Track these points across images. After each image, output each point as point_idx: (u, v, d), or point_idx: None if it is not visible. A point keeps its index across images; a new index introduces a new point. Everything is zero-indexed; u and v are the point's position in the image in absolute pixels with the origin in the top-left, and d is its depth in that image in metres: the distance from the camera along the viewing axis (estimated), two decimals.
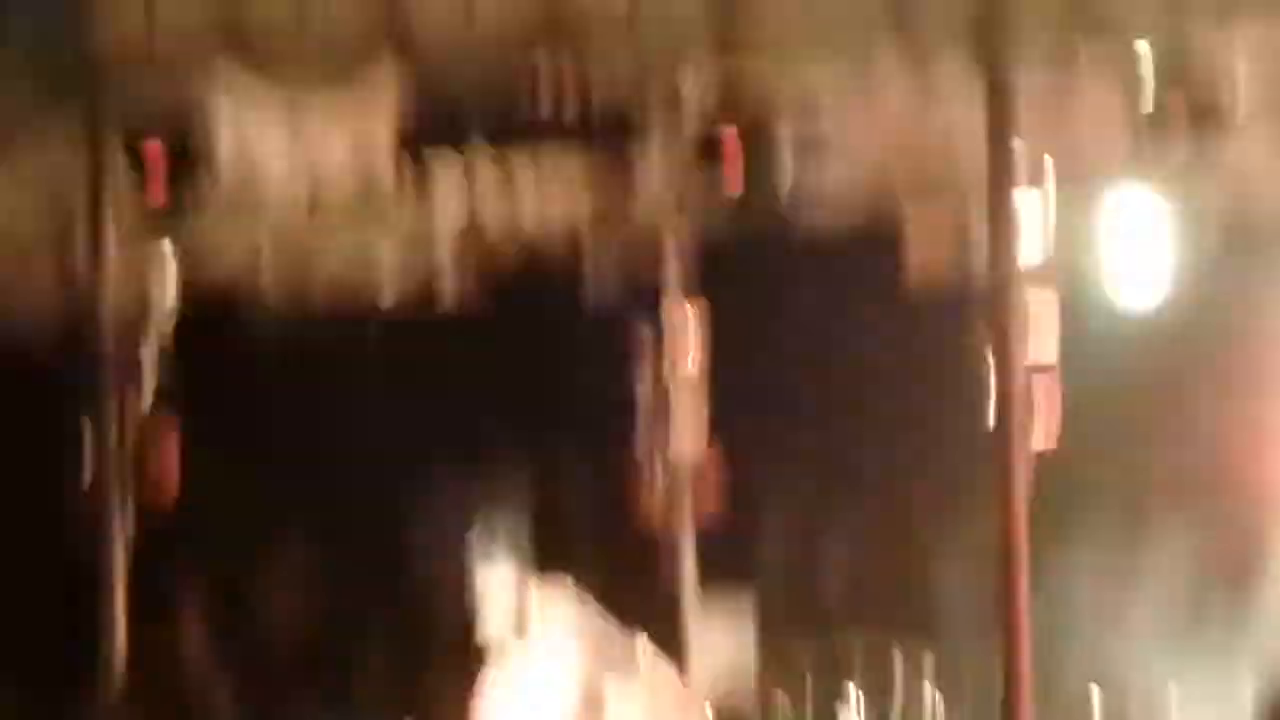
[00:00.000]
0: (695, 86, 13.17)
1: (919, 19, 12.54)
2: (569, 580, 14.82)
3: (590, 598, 14.73)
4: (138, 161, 13.26)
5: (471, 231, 15.80)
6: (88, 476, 13.88)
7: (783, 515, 17.85)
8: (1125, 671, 16.29)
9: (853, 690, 16.10)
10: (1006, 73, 12.59)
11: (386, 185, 14.28)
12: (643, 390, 16.54)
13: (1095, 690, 16.19)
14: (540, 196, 15.34)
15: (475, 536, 14.91)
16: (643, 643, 14.71)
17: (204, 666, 16.60)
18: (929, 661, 16.25)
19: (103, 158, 13.37)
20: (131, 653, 13.72)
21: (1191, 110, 12.52)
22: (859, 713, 16.16)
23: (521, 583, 14.71)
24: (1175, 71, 12.44)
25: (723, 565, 16.54)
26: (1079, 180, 14.72)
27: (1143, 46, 12.42)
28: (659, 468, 16.60)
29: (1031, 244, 14.01)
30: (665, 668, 14.82)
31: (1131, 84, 12.70)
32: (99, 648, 13.54)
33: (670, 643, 15.48)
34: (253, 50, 12.85)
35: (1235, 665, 15.81)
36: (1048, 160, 13.97)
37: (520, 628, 14.52)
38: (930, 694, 16.20)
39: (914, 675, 16.19)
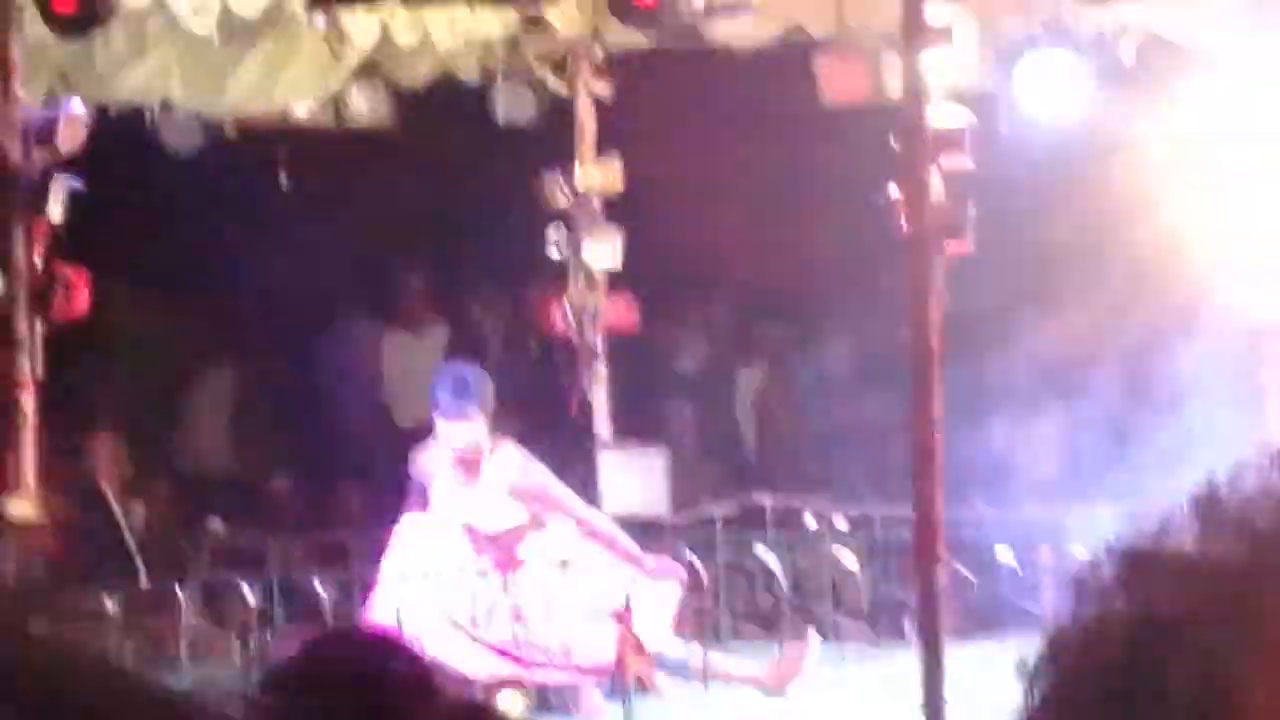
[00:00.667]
0: None
1: None
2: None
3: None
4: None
5: (383, 47, 15.78)
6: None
7: (699, 357, 17.87)
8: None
9: (763, 553, 16.07)
10: None
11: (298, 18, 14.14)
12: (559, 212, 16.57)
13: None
14: (455, 16, 15.34)
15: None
16: None
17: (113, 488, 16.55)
18: (841, 522, 16.20)
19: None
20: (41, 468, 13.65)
21: None
22: (777, 568, 16.08)
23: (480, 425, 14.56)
24: None
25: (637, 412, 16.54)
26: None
27: None
28: (578, 290, 16.64)
29: (948, 69, 14.06)
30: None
31: None
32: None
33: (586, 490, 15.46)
34: None
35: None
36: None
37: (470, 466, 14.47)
38: (841, 554, 16.20)
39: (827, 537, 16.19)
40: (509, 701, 13.96)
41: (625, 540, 14.42)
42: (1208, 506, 1.74)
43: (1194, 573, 1.74)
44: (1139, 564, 1.79)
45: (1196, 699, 1.67)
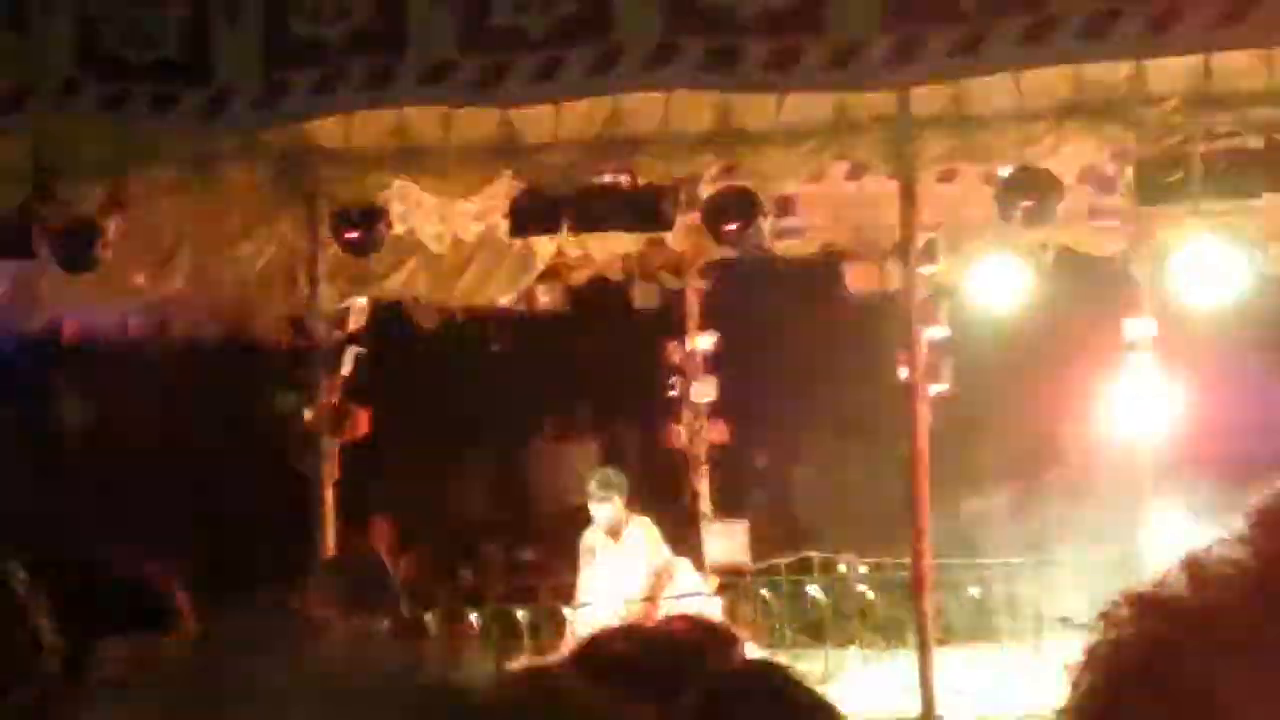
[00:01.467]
0: (707, 181, 12.87)
1: (856, 141, 12.17)
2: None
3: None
4: (341, 229, 12.92)
5: (558, 258, 15.82)
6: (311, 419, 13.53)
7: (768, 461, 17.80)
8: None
9: (812, 589, 16.07)
10: (911, 180, 12.13)
11: (502, 242, 14.19)
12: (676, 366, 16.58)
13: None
14: (604, 243, 15.42)
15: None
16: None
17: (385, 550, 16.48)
18: (863, 568, 16.25)
19: (317, 228, 13.04)
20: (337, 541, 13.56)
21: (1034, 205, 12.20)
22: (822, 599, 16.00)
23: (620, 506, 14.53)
24: (1024, 178, 12.13)
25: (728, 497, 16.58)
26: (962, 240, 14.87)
27: (1002, 171, 12.10)
28: (688, 417, 16.64)
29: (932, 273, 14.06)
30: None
31: (997, 191, 12.37)
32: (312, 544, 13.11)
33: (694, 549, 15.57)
34: (415, 163, 12.52)
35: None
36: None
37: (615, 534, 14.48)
38: (864, 589, 16.15)
39: (854, 578, 16.17)
40: None
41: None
42: (1192, 565, 1.69)
43: (1182, 611, 1.71)
44: (1145, 603, 1.75)
45: (1186, 701, 1.61)
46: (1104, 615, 1.76)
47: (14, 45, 12.47)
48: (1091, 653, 1.75)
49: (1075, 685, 1.75)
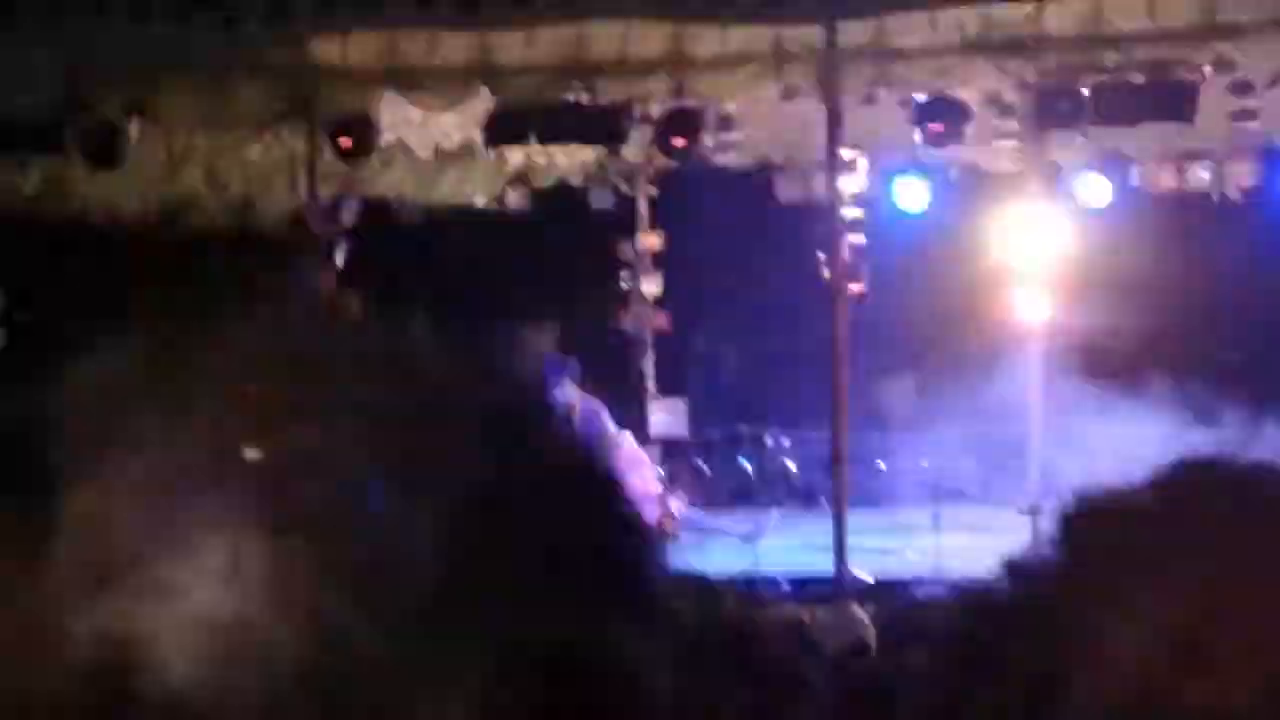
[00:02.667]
0: (659, 101, 12.87)
1: (789, 68, 12.19)
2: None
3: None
4: (337, 137, 12.92)
5: (526, 165, 15.78)
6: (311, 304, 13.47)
7: (705, 346, 17.79)
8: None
9: (741, 459, 16.19)
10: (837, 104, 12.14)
11: (479, 150, 14.15)
12: (627, 262, 16.57)
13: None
14: (567, 153, 15.38)
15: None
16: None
17: None
18: (787, 441, 16.38)
19: (315, 136, 13.01)
20: None
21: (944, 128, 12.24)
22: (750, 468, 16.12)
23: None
24: (936, 104, 12.17)
25: (670, 377, 16.63)
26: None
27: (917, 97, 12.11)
28: (636, 306, 16.66)
29: (852, 184, 14.10)
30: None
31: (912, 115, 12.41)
32: None
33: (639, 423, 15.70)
34: (403, 80, 12.47)
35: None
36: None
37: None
38: (787, 463, 16.30)
39: (778, 450, 16.26)
40: None
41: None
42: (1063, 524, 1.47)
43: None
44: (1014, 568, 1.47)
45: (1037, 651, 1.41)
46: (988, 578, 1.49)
47: None
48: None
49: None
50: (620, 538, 1.45)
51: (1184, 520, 1.38)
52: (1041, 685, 1.38)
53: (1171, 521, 1.38)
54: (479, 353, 1.50)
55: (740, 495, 16.09)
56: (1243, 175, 14.30)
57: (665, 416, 15.46)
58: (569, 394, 14.49)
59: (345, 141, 12.97)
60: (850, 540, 12.34)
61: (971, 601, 1.45)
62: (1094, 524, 1.42)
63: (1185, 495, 1.41)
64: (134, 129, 12.76)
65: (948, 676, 1.49)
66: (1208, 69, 11.60)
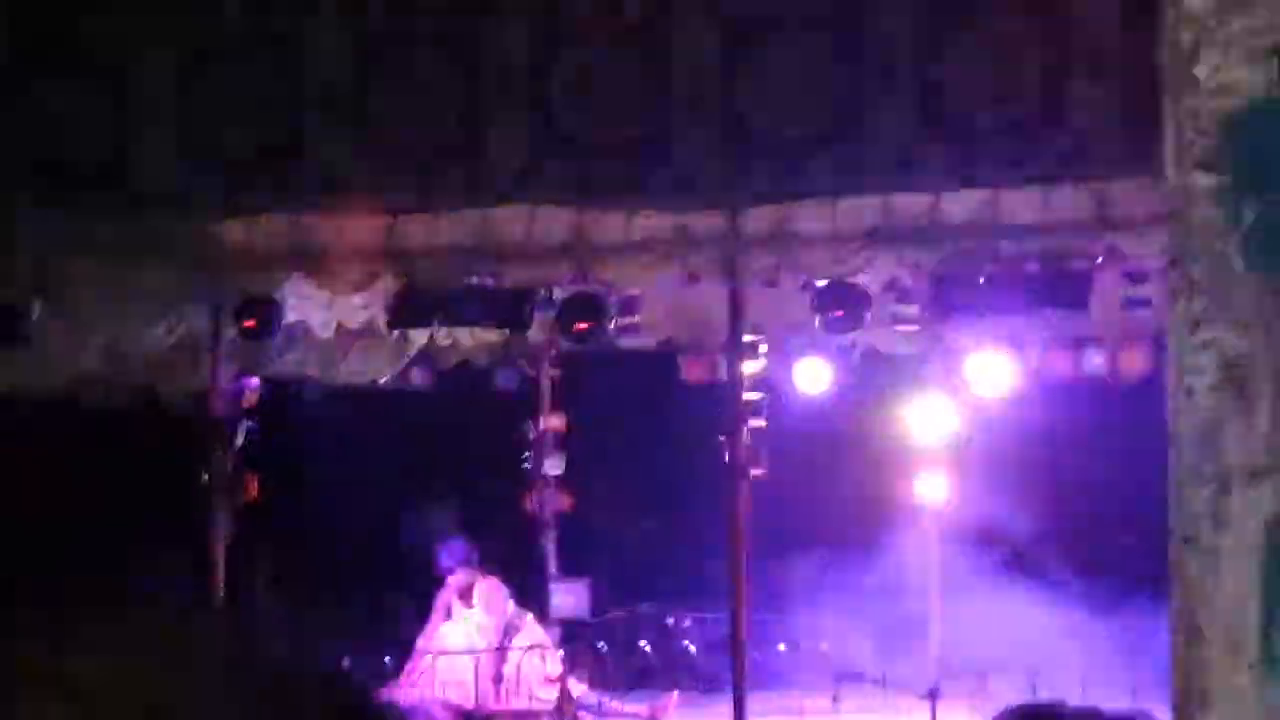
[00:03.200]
0: (563, 285, 12.94)
1: (693, 254, 12.29)
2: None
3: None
4: (241, 318, 12.89)
5: (430, 345, 15.79)
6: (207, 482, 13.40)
7: (610, 527, 17.75)
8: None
9: (643, 642, 16.02)
10: (740, 288, 12.25)
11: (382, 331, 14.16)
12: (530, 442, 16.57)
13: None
14: (472, 335, 15.40)
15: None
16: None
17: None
18: (688, 621, 16.19)
19: (219, 317, 12.99)
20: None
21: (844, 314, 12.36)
22: (650, 649, 15.99)
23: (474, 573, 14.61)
24: (837, 290, 12.27)
25: (572, 557, 16.56)
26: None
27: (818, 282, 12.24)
28: (539, 487, 16.65)
29: (753, 366, 14.20)
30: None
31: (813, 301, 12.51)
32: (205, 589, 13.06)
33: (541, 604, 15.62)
34: (310, 263, 12.50)
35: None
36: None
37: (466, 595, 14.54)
38: (687, 644, 16.17)
39: (679, 631, 16.10)
40: None
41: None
42: None
43: None
44: None
45: None
46: None
47: None
48: None
49: None
50: None
51: None
52: None
53: None
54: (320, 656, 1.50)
55: (640, 677, 15.99)
56: (1136, 361, 14.53)
57: (567, 597, 15.39)
58: (468, 575, 14.48)
59: (249, 322, 12.97)
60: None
61: None
62: None
63: None
64: (38, 308, 12.71)
65: None
66: (1100, 259, 11.84)
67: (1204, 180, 3.72)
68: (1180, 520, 3.67)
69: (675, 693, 14.99)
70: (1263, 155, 3.74)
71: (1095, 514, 16.16)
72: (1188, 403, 3.61)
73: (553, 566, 16.43)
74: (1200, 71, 3.77)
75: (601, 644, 15.92)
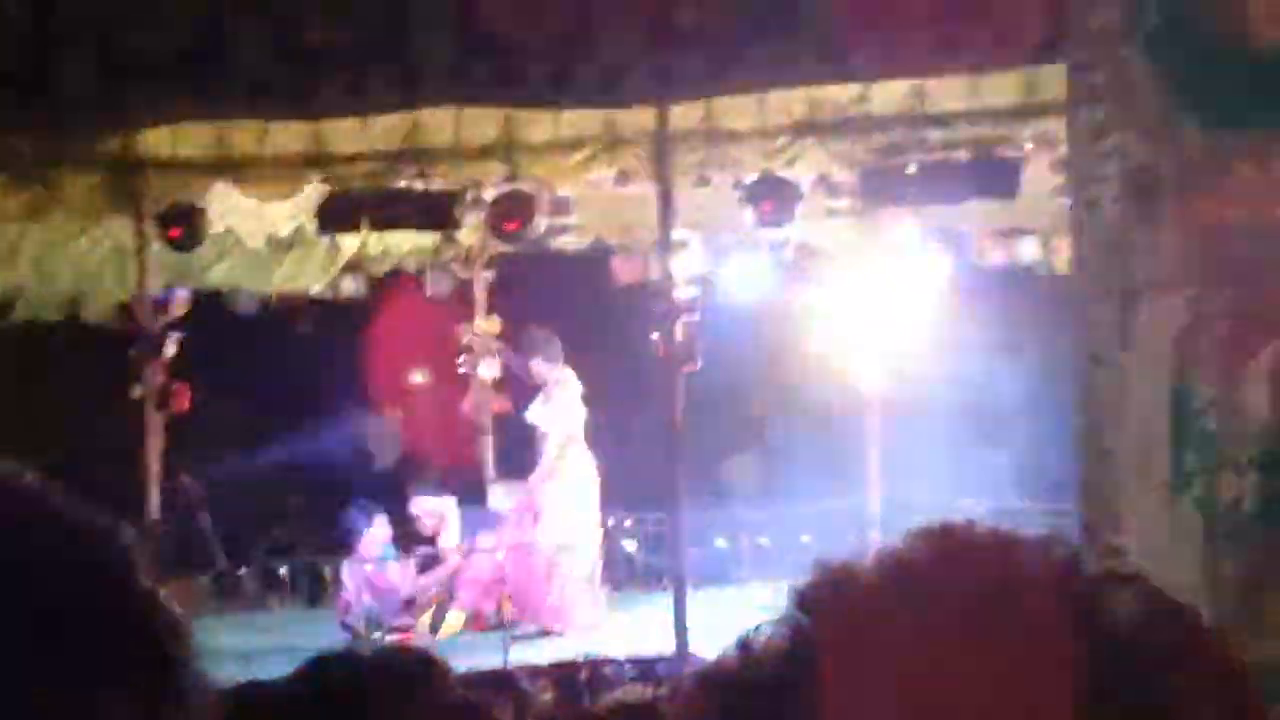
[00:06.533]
0: (493, 185, 12.92)
1: (622, 152, 12.29)
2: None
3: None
4: (166, 227, 12.84)
5: (361, 252, 15.74)
6: (138, 394, 13.36)
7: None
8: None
9: None
10: (669, 186, 12.24)
11: (312, 238, 14.15)
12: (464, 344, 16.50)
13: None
14: (402, 239, 15.38)
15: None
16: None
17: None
18: (628, 521, 16.16)
19: (144, 227, 12.91)
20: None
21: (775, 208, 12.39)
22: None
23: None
24: (766, 185, 12.30)
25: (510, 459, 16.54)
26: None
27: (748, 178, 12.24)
28: (474, 389, 16.60)
29: (686, 263, 14.19)
30: None
31: (743, 196, 12.53)
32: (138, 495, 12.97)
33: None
34: (235, 171, 12.44)
35: None
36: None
37: None
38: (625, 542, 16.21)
39: (618, 531, 16.14)
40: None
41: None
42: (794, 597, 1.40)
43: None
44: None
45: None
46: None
47: None
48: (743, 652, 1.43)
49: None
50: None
51: (907, 593, 1.32)
52: None
53: (897, 594, 1.32)
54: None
55: None
56: (1067, 250, 14.57)
57: (504, 500, 15.36)
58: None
59: (175, 232, 12.85)
60: (691, 619, 12.27)
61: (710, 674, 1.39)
62: (821, 596, 1.37)
63: (916, 565, 1.34)
64: None
65: None
66: (1030, 146, 11.86)
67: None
68: (1087, 340, 3.52)
69: (615, 592, 14.97)
70: None
71: (1027, 391, 16.09)
72: (1092, 216, 3.47)
73: (491, 468, 16.43)
74: None
75: None
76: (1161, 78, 3.46)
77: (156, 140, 12.34)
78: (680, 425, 12.56)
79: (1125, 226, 3.54)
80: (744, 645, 1.38)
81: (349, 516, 14.55)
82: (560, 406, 14.38)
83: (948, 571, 1.31)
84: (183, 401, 13.60)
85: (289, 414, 18.00)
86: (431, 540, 14.60)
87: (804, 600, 1.38)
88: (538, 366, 14.53)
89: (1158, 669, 1.26)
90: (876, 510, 15.07)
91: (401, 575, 14.39)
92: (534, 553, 13.93)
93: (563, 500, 14.13)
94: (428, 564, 14.44)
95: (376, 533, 14.43)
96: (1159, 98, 3.46)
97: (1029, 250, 14.99)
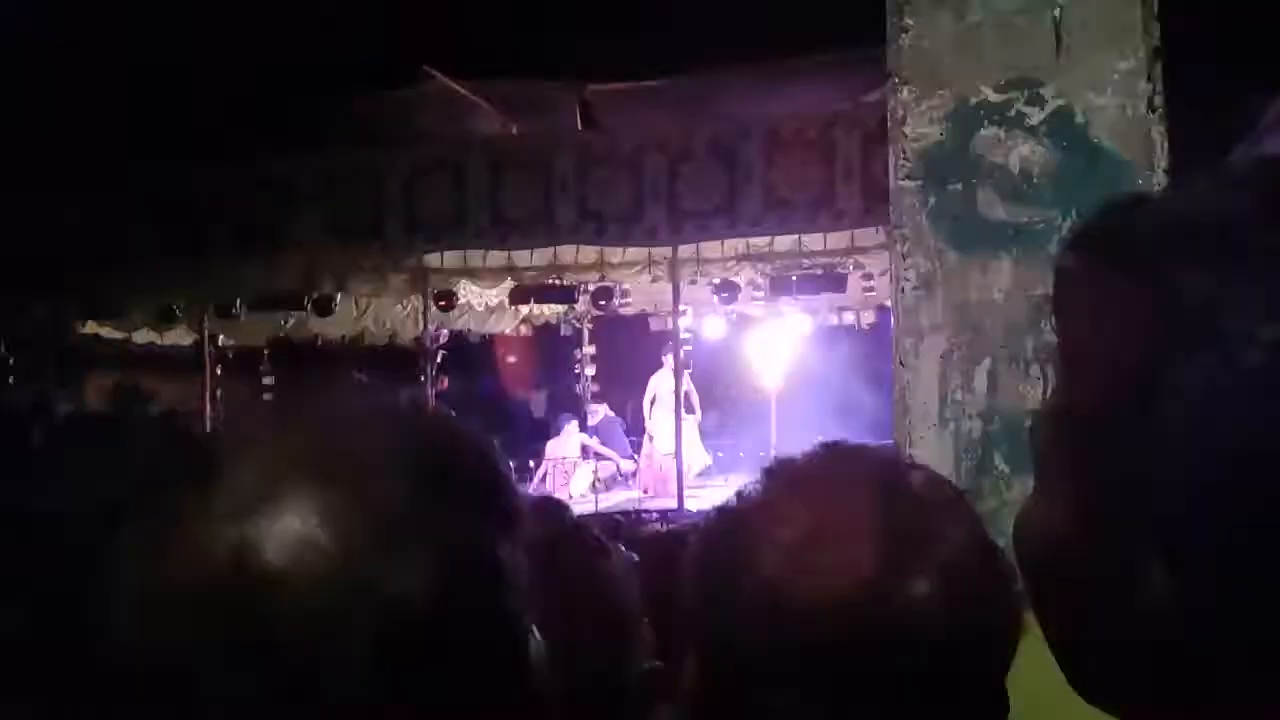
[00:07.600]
0: (593, 282, 12.40)
1: (656, 268, 11.89)
2: None
3: None
4: (437, 300, 12.33)
5: (530, 315, 15.12)
6: (421, 381, 12.61)
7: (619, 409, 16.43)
8: None
9: None
10: (677, 283, 11.61)
11: (506, 306, 13.43)
12: (579, 360, 16.06)
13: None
14: (549, 308, 14.85)
15: None
16: None
17: None
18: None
19: (427, 300, 12.21)
20: None
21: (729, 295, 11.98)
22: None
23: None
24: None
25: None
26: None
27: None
28: (584, 382, 16.13)
29: (684, 323, 13.48)
30: None
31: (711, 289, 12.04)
32: None
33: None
34: (471, 274, 11.90)
35: None
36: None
37: None
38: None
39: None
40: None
41: None
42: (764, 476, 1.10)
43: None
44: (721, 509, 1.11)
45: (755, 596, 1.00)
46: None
47: None
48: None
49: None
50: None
51: (798, 479, 1.08)
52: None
53: (815, 486, 1.08)
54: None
55: None
56: (869, 318, 14.47)
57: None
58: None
59: (441, 302, 12.76)
60: None
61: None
62: (772, 481, 1.10)
63: (809, 464, 1.10)
64: (339, 298, 12.71)
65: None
66: (851, 267, 11.90)
67: (909, 184, 3.66)
68: (898, 354, 3.70)
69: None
70: (939, 165, 3.66)
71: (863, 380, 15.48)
72: (903, 296, 3.63)
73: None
74: (907, 129, 3.68)
75: None
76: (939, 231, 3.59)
77: (433, 259, 12.35)
78: (678, 406, 12.32)
79: (919, 299, 3.89)
80: (719, 507, 1.11)
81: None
82: None
83: (828, 466, 1.10)
84: (443, 386, 13.54)
85: (493, 396, 17.76)
86: None
87: (765, 479, 1.12)
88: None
89: (934, 512, 1.05)
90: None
91: None
92: None
93: None
94: None
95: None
96: (939, 239, 3.61)
97: (850, 317, 14.93)
